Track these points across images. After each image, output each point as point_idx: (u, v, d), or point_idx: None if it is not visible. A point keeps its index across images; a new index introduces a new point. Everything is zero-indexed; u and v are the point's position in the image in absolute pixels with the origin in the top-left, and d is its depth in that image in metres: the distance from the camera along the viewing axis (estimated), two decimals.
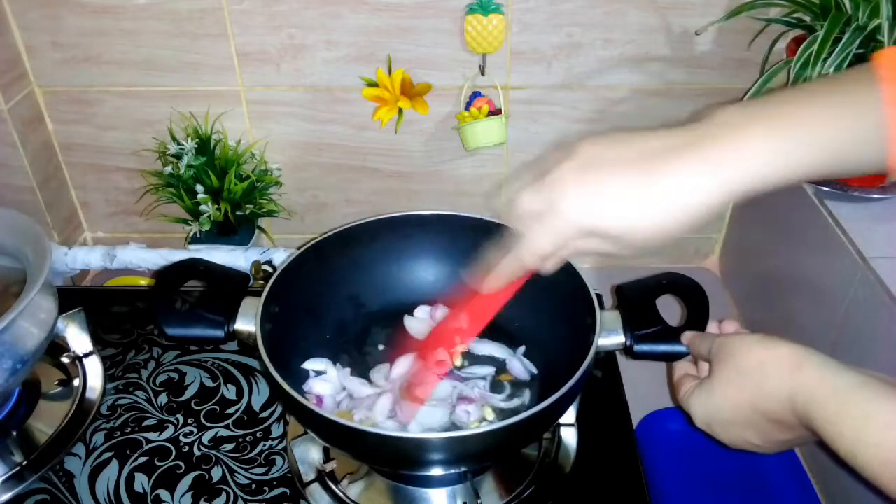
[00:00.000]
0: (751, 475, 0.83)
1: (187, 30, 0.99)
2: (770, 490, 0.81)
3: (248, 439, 0.75)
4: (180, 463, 0.73)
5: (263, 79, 1.03)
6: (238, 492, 0.70)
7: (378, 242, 0.78)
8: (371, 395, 0.71)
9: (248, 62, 1.02)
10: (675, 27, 0.97)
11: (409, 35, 0.98)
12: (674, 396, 0.61)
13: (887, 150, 0.43)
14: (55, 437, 0.74)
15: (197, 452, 0.74)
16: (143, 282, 1.11)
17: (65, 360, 0.82)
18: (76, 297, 0.89)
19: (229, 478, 0.71)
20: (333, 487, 0.69)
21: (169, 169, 1.03)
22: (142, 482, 0.71)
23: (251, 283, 0.90)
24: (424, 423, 0.68)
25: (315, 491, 0.69)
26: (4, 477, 0.70)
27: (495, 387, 0.73)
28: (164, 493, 0.69)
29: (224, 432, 0.76)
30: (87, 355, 0.83)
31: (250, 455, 0.73)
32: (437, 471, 0.66)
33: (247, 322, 0.67)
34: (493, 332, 0.78)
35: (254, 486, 0.70)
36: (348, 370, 0.74)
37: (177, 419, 0.77)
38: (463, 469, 0.65)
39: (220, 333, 0.67)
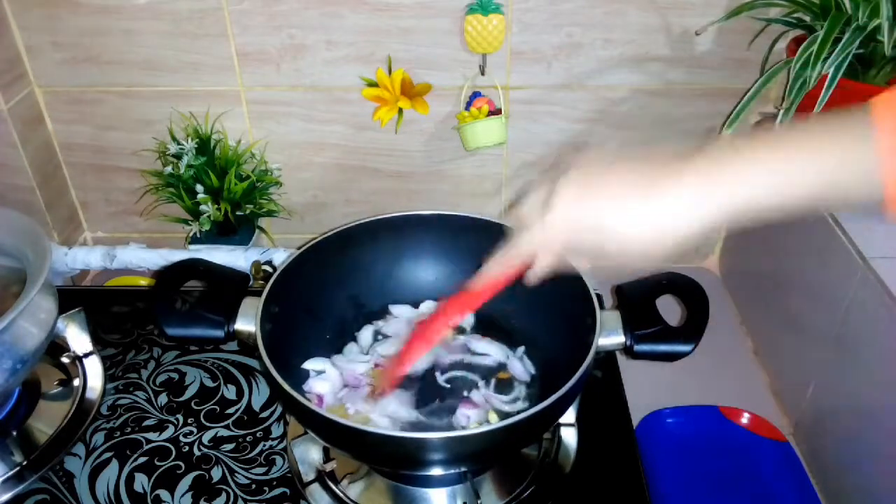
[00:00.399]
0: (751, 475, 0.83)
1: (187, 30, 0.99)
2: (770, 490, 0.81)
3: (248, 439, 0.75)
4: (180, 463, 0.73)
5: (263, 79, 1.03)
6: (238, 492, 0.70)
7: (378, 242, 0.78)
8: (366, 371, 0.73)
9: (248, 62, 1.02)
10: (675, 27, 0.97)
11: (409, 35, 0.98)
12: None
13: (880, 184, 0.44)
14: (55, 437, 0.74)
15: (197, 452, 0.74)
16: (143, 282, 1.11)
17: (65, 360, 0.82)
18: (76, 297, 0.89)
19: (229, 478, 0.71)
20: (333, 487, 0.69)
21: (169, 169, 1.03)
22: (142, 482, 0.71)
23: (251, 283, 0.90)
24: (391, 412, 0.70)
25: (315, 491, 0.69)
26: (4, 477, 0.70)
27: (499, 387, 0.73)
28: (164, 493, 0.69)
29: (224, 432, 0.76)
30: (87, 355, 0.83)
31: (250, 455, 0.73)
32: (437, 471, 0.66)
33: (247, 322, 0.67)
34: (493, 332, 0.78)
35: (254, 486, 0.70)
36: (342, 356, 0.75)
37: (177, 419, 0.77)
38: (463, 469, 0.65)
39: (220, 333, 0.67)
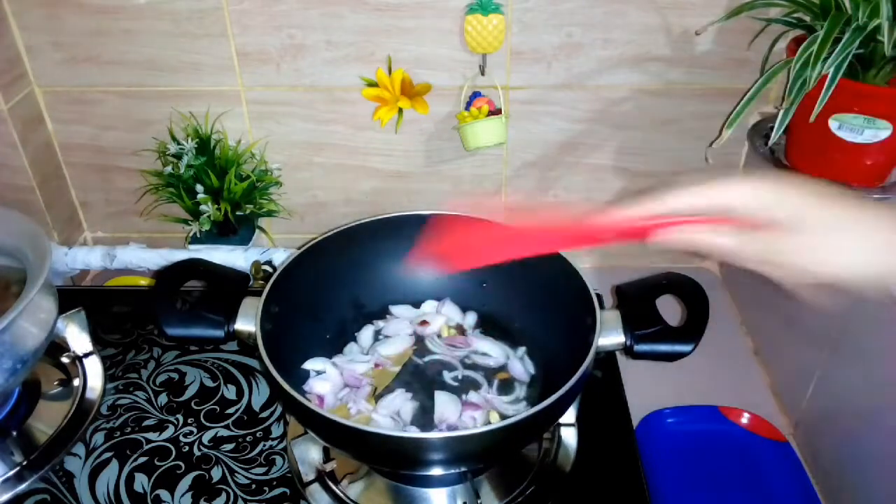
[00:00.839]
0: (750, 475, 0.83)
1: (187, 30, 0.99)
2: (770, 490, 0.81)
3: (248, 439, 0.75)
4: (180, 463, 0.73)
5: (263, 79, 1.03)
6: (238, 492, 0.70)
7: (378, 242, 0.78)
8: (366, 371, 0.74)
9: (248, 62, 1.02)
10: (675, 27, 0.97)
11: (409, 35, 0.98)
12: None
13: None
14: (55, 437, 0.74)
15: (197, 452, 0.74)
16: (143, 282, 1.11)
17: (65, 360, 0.82)
18: (76, 297, 0.90)
19: (229, 478, 0.71)
20: (333, 487, 0.69)
21: (169, 169, 1.03)
22: (142, 482, 0.71)
23: (251, 283, 0.90)
24: (391, 406, 0.70)
25: (315, 491, 0.69)
26: (4, 477, 0.70)
27: (499, 387, 0.73)
28: (164, 493, 0.69)
29: (224, 432, 0.76)
30: (87, 355, 0.83)
31: (250, 455, 0.73)
32: (437, 471, 0.66)
33: (247, 322, 0.67)
34: (493, 332, 0.79)
35: (254, 486, 0.70)
36: (342, 356, 0.76)
37: (177, 419, 0.77)
38: (463, 469, 0.65)
39: (220, 333, 0.67)
